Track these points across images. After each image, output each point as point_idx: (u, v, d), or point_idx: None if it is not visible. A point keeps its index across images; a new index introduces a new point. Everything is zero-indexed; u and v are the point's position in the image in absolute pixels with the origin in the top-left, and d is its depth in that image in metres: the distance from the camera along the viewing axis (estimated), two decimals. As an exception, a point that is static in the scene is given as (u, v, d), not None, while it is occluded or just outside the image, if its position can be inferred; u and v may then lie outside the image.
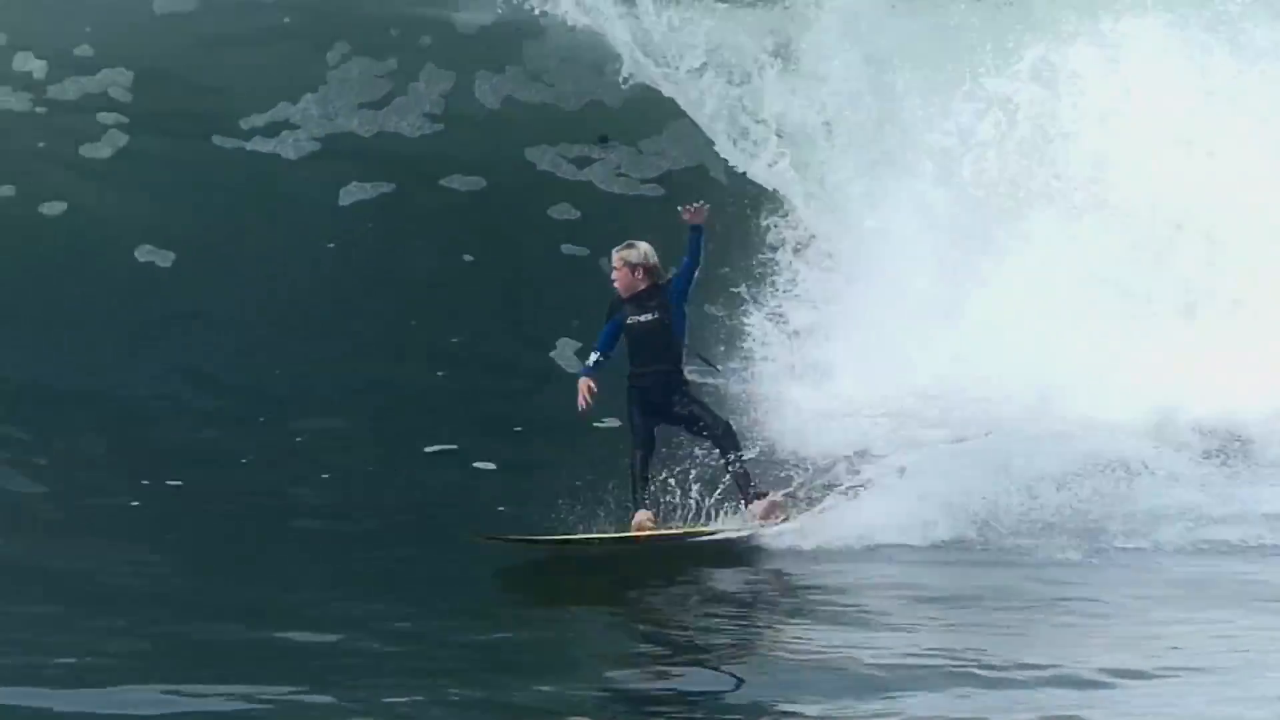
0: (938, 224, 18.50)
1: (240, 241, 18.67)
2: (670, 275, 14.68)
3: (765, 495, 14.56)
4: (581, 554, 14.26)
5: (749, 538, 14.53)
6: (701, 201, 14.73)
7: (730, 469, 14.57)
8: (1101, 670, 11.22)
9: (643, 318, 14.60)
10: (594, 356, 14.63)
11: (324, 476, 16.34)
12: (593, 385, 14.45)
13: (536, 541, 14.12)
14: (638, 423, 14.62)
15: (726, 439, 14.61)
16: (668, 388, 14.60)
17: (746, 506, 14.58)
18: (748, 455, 14.76)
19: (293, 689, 10.99)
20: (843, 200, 19.08)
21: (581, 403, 14.45)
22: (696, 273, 14.64)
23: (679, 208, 14.79)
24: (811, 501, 14.74)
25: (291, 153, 19.63)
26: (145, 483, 15.94)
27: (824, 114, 19.75)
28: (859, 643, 12.06)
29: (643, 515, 14.44)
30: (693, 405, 14.65)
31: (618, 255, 14.74)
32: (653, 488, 14.55)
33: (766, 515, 14.55)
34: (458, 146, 19.77)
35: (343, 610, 13.04)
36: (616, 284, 14.73)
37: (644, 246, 14.72)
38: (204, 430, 16.95)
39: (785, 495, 14.63)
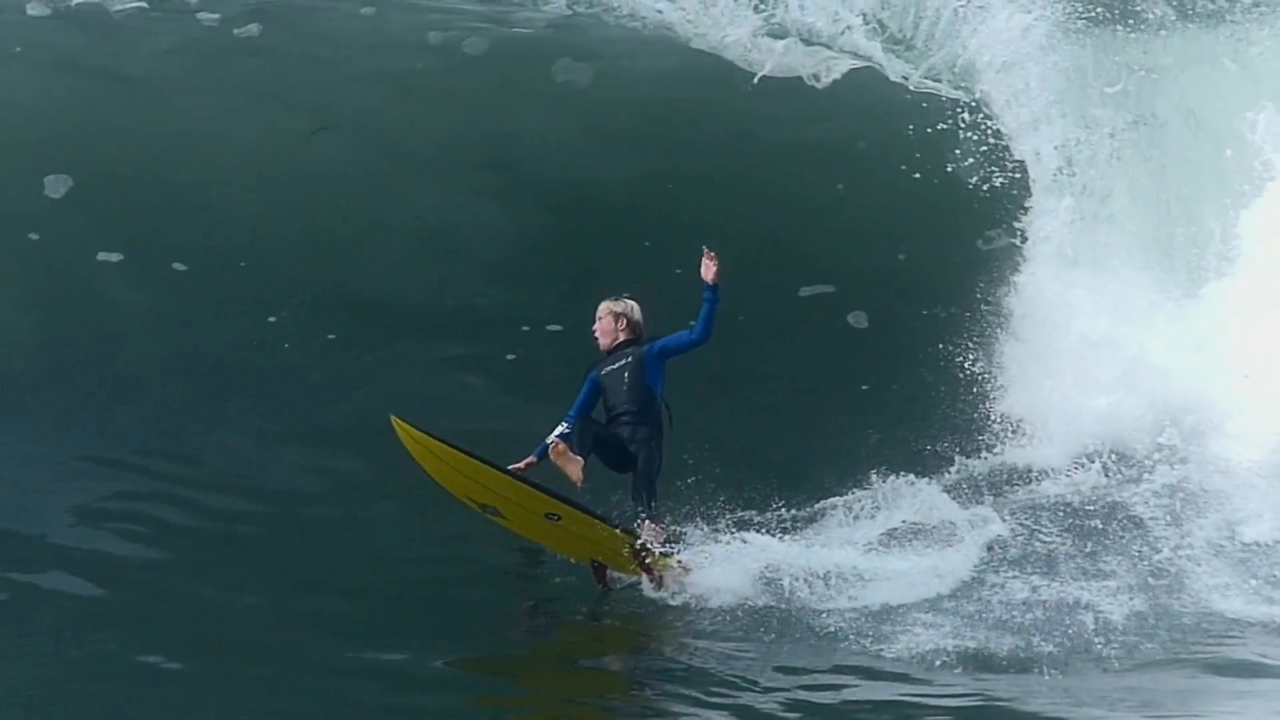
0: None
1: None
2: (659, 337, 14.71)
3: (658, 533, 14.28)
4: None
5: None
6: (710, 251, 14.62)
7: (642, 505, 14.37)
8: None
9: (615, 365, 14.61)
10: (561, 428, 14.50)
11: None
12: (563, 448, 14.16)
13: (450, 445, 14.13)
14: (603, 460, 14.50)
15: (649, 487, 14.40)
16: (634, 432, 14.44)
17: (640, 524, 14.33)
18: None
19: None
20: None
21: (574, 475, 14.17)
22: (696, 348, 14.66)
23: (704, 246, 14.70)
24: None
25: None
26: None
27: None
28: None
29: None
30: (643, 448, 14.43)
31: (605, 306, 14.87)
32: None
33: (648, 539, 14.22)
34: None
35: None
36: (598, 333, 14.83)
37: (633, 304, 14.85)
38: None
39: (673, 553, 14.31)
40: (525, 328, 17.42)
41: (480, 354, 17.13)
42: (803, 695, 12.46)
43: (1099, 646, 13.18)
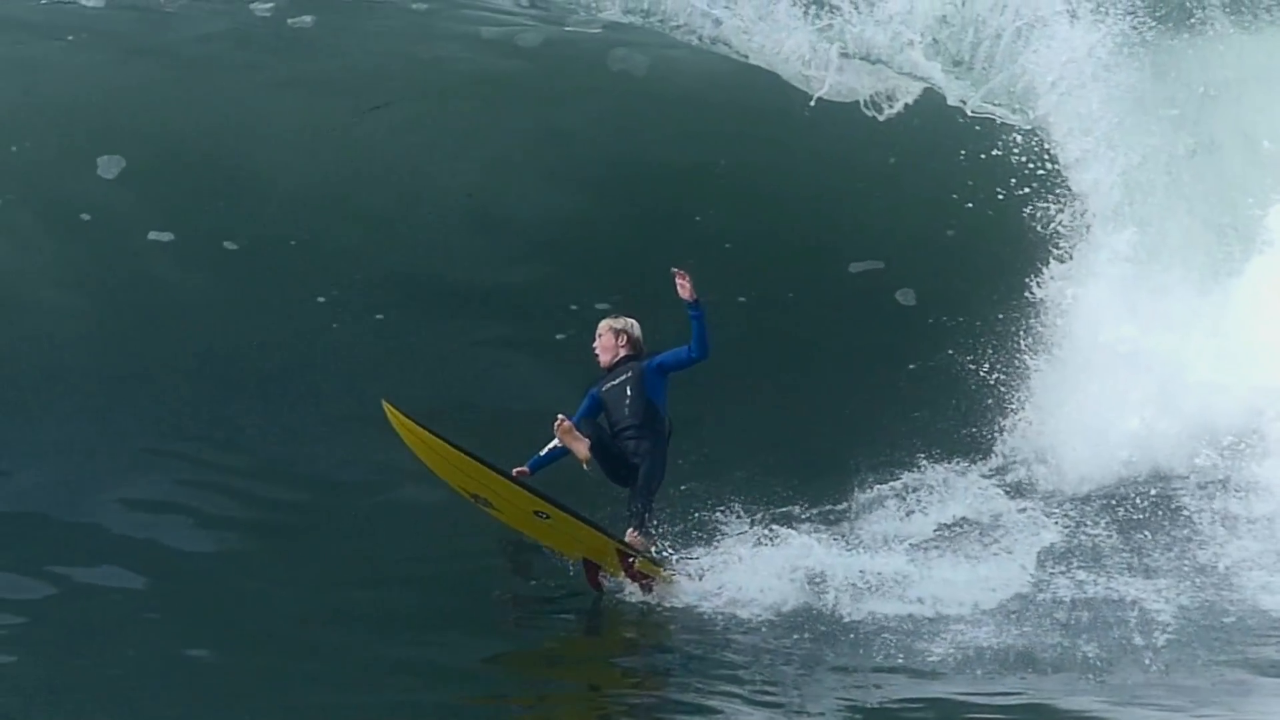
0: None
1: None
2: (658, 353, 14.56)
3: (637, 550, 14.10)
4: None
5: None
6: (680, 270, 14.44)
7: (634, 514, 14.21)
8: None
9: (615, 381, 14.48)
10: (554, 443, 14.35)
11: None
12: (568, 426, 14.10)
13: (439, 437, 14.01)
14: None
15: (645, 498, 14.25)
16: (637, 446, 14.29)
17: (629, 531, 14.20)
18: None
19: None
20: None
21: (581, 454, 14.11)
22: (696, 364, 14.51)
23: (672, 269, 14.52)
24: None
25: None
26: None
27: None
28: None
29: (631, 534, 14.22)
30: (646, 460, 14.29)
31: (605, 323, 14.78)
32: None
33: (634, 544, 14.10)
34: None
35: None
36: (598, 350, 14.71)
37: (633, 322, 14.74)
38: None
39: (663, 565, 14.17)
40: (574, 307, 17.26)
41: (529, 334, 16.99)
42: (845, 694, 12.37)
43: (1144, 645, 13.01)
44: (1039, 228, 17.65)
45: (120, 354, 16.29)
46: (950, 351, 16.96)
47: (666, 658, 13.33)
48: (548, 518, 14.04)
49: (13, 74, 18.39)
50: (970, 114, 18.46)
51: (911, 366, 17.07)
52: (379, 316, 17.01)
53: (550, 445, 14.36)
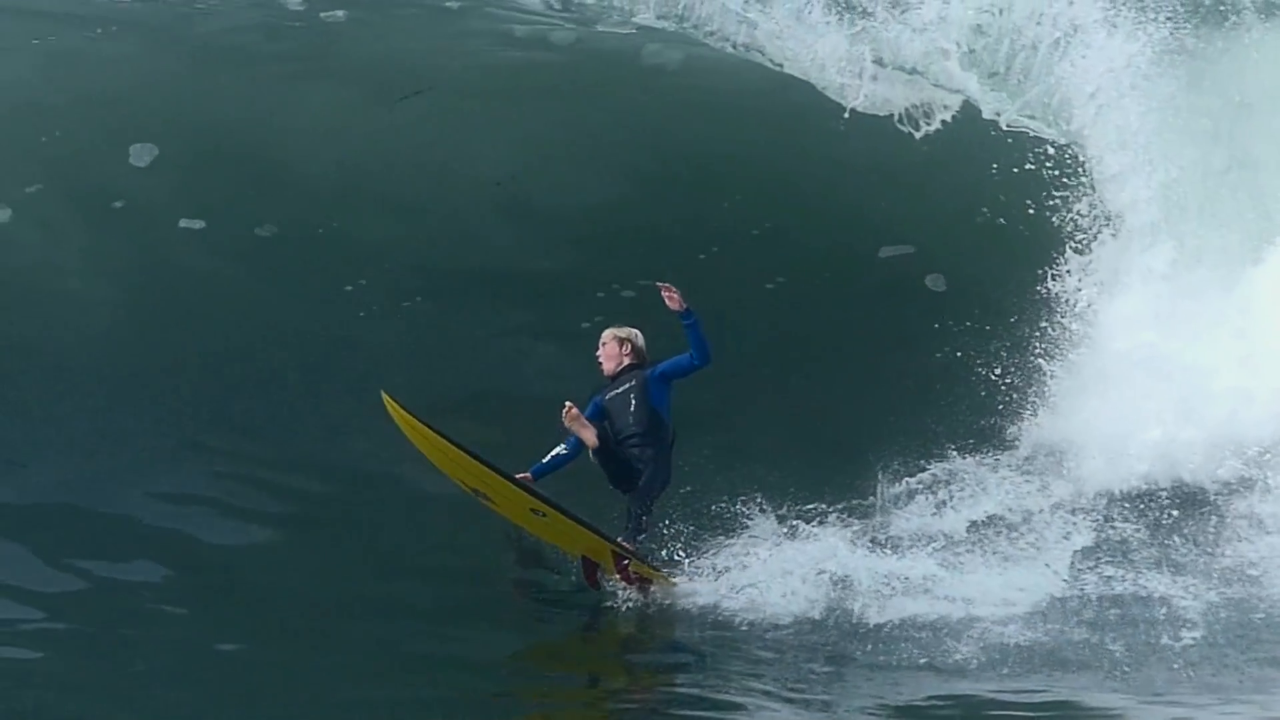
0: None
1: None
2: (661, 361, 14.49)
3: (632, 555, 14.02)
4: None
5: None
6: (665, 283, 14.39)
7: (632, 517, 14.14)
8: None
9: (619, 390, 14.42)
10: (560, 449, 14.35)
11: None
12: (576, 412, 14.10)
13: (436, 431, 13.97)
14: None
15: (644, 504, 14.18)
16: (641, 454, 14.21)
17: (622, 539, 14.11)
18: None
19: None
20: None
21: (590, 440, 14.11)
22: (700, 370, 14.44)
23: (656, 284, 14.48)
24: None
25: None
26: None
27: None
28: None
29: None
30: (649, 466, 14.22)
31: (609, 332, 14.72)
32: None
33: (625, 550, 14.04)
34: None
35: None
36: (602, 358, 14.65)
37: (636, 332, 14.69)
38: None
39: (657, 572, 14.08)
40: (600, 294, 17.18)
41: (557, 322, 16.84)
42: (872, 691, 12.33)
43: (1172, 643, 12.93)
44: (1071, 212, 17.49)
45: (149, 343, 16.20)
46: (980, 339, 16.81)
47: (692, 655, 13.30)
48: (544, 516, 14.00)
49: (46, 65, 18.38)
50: (1006, 126, 18.26)
51: (940, 354, 16.89)
52: (407, 304, 16.93)
53: (553, 452, 14.32)
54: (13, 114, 17.78)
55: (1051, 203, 17.68)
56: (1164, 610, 13.40)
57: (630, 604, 13.88)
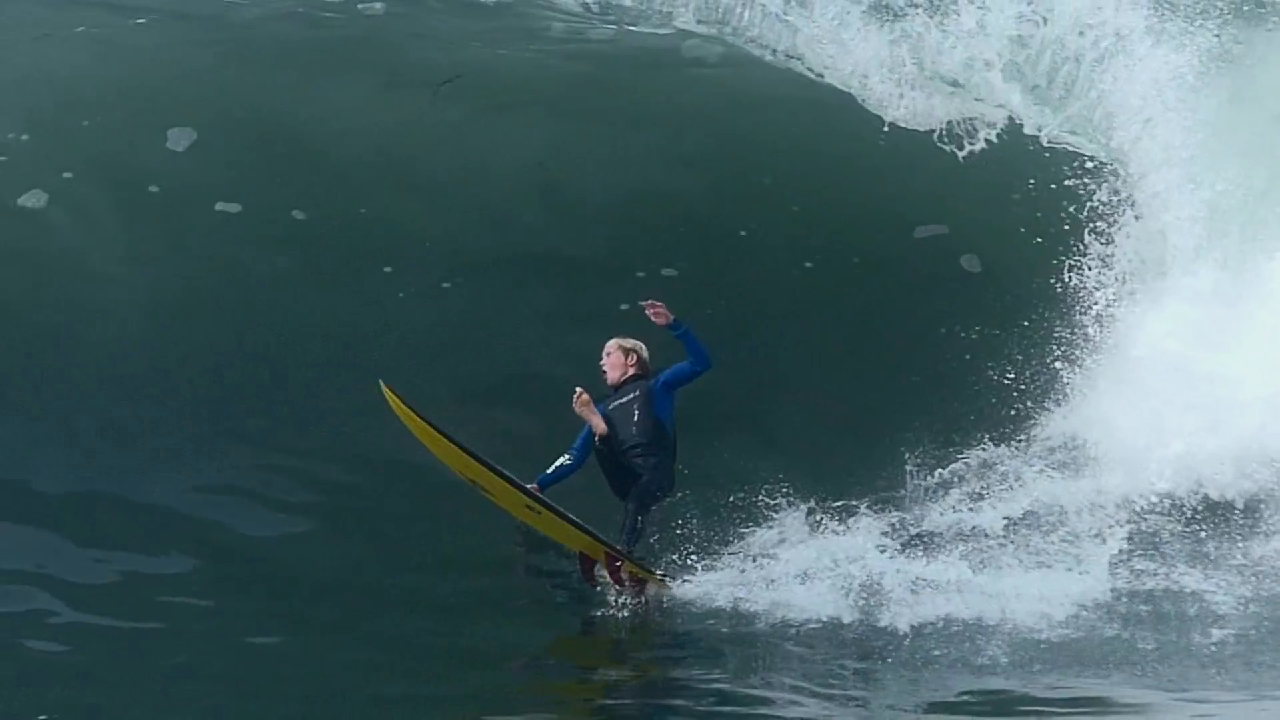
0: None
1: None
2: (663, 370, 14.41)
3: (625, 556, 13.90)
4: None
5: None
6: (654, 301, 14.32)
7: (627, 517, 14.02)
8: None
9: (622, 400, 14.31)
10: (564, 459, 14.30)
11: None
12: (586, 398, 14.07)
13: (431, 425, 13.87)
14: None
15: (640, 506, 14.06)
16: (644, 463, 14.11)
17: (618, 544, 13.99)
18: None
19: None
20: None
21: (598, 428, 14.05)
22: (702, 374, 14.35)
23: (641, 302, 14.41)
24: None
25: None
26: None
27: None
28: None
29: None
30: (651, 472, 14.13)
31: (614, 342, 14.63)
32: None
33: (617, 552, 13.93)
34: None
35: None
36: (607, 368, 14.55)
37: (641, 344, 14.60)
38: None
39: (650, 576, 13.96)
40: (640, 273, 17.10)
41: (596, 303, 16.68)
42: (905, 687, 12.30)
43: (1204, 639, 12.84)
44: (1105, 193, 17.26)
45: (184, 328, 16.11)
46: (1015, 322, 16.61)
47: (720, 650, 13.12)
48: (539, 513, 13.95)
49: (86, 52, 18.28)
50: (1047, 142, 17.94)
51: (975, 335, 16.73)
52: (446, 286, 16.83)
53: (557, 463, 14.25)
54: (53, 100, 17.69)
55: (1088, 181, 17.43)
56: (1196, 607, 13.31)
57: (625, 606, 13.76)
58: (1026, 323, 16.59)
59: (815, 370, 16.64)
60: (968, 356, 16.51)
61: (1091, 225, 17.09)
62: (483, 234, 17.19)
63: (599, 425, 13.96)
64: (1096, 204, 17.20)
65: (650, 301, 14.37)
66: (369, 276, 16.79)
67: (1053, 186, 17.61)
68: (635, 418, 14.22)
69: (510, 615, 13.59)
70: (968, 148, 17.83)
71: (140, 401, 15.48)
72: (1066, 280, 16.75)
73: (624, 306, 16.71)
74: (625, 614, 13.66)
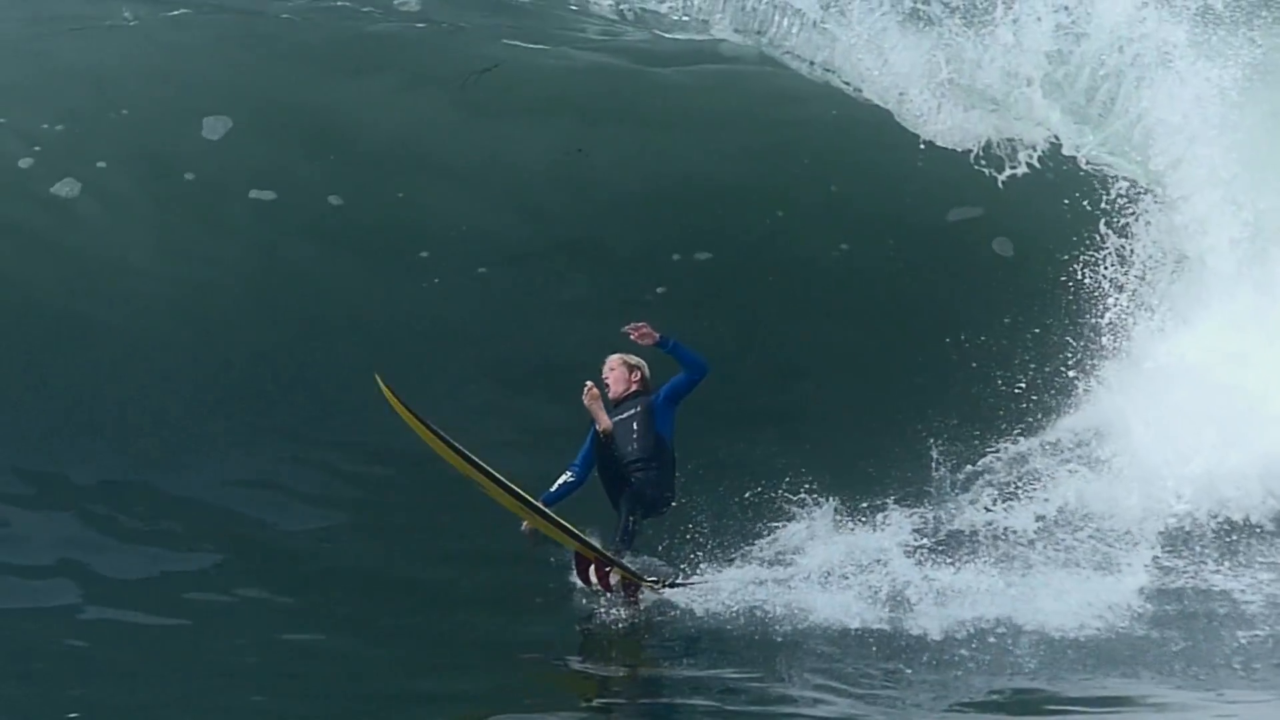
0: None
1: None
2: (662, 386, 14.23)
3: (615, 562, 13.76)
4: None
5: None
6: (637, 324, 14.18)
7: (622, 520, 13.88)
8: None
9: (623, 415, 14.14)
10: (566, 476, 14.10)
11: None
12: (596, 392, 13.94)
13: (422, 421, 13.68)
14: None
15: (631, 509, 13.91)
16: (645, 477, 13.96)
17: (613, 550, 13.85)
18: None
19: None
20: None
21: (603, 425, 13.89)
22: (701, 381, 14.17)
23: (623, 330, 14.24)
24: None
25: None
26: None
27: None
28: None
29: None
30: (650, 482, 14.00)
31: (617, 357, 14.43)
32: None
33: (606, 558, 13.81)
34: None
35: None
36: (610, 381, 14.36)
37: (644, 363, 14.41)
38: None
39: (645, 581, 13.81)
40: (676, 256, 17.00)
41: (630, 290, 16.64)
42: (934, 688, 12.17)
43: (1232, 639, 12.71)
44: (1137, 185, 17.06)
45: (218, 316, 16.18)
46: (1048, 308, 16.43)
47: (745, 648, 13.00)
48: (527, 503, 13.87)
49: (123, 42, 18.26)
50: (1086, 164, 17.55)
51: (1006, 321, 16.55)
52: (482, 271, 16.79)
53: (560, 481, 14.05)
54: (87, 90, 17.69)
55: (1119, 168, 17.25)
56: (1226, 606, 13.18)
57: (617, 613, 13.63)
58: (1060, 306, 16.40)
59: (846, 355, 16.55)
60: (999, 343, 16.33)
61: (1128, 205, 16.84)
62: (517, 221, 17.14)
63: (604, 421, 13.84)
64: (1130, 190, 16.95)
65: (633, 325, 14.20)
66: (404, 264, 16.77)
67: (1086, 170, 17.39)
68: (635, 433, 14.10)
69: (535, 611, 13.55)
70: (1007, 170, 17.48)
71: (171, 392, 15.50)
72: (1099, 264, 16.49)
73: (660, 289, 16.69)
74: (654, 613, 13.58)
